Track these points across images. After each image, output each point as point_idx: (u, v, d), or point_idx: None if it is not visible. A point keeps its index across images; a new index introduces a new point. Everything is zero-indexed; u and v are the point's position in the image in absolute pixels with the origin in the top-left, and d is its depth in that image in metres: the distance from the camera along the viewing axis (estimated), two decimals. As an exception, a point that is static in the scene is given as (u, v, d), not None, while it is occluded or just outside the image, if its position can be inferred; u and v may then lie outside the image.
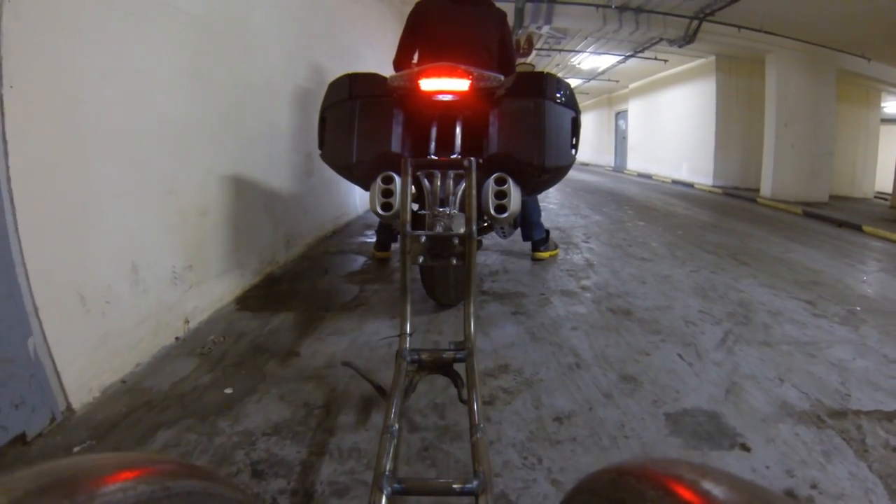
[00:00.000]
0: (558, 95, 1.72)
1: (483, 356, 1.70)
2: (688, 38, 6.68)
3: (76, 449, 1.24)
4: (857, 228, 4.88)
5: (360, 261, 2.98)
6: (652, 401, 1.44)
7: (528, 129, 1.66)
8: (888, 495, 1.12)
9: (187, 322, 1.91)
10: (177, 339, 1.83)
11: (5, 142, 1.24)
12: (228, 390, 1.47)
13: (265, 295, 2.33)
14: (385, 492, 0.73)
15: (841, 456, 1.25)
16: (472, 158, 1.40)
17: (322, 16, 3.52)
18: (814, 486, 1.14)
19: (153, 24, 1.72)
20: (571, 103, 1.77)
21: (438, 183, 1.62)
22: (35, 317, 1.32)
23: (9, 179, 1.25)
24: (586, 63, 10.23)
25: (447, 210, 1.57)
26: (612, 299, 2.34)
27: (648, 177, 11.17)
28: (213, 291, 2.10)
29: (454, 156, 1.67)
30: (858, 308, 2.35)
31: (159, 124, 1.77)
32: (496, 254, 3.16)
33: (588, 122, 17.28)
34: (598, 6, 6.24)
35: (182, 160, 1.91)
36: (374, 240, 3.14)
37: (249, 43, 2.45)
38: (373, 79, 1.77)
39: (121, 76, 1.58)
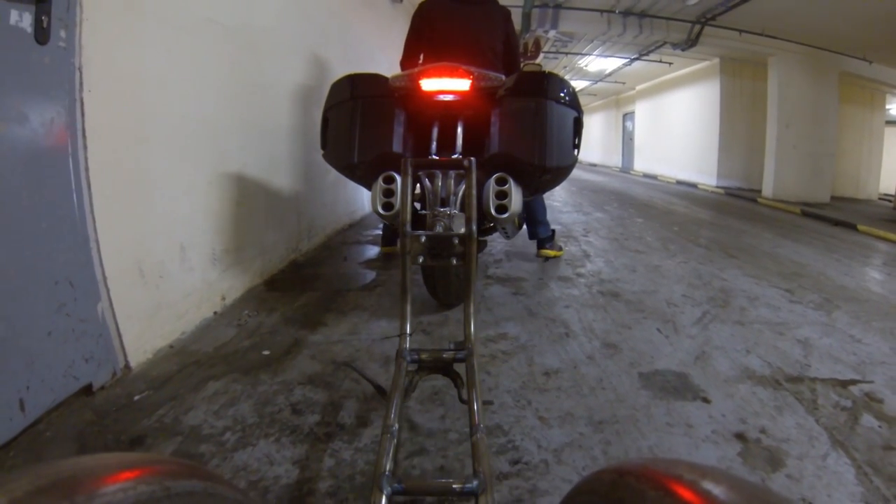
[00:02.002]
0: (560, 95, 1.71)
1: (485, 326, 1.93)
2: (690, 42, 6.86)
3: (136, 397, 1.46)
4: (853, 227, 5.03)
5: (376, 250, 3.23)
6: (629, 363, 1.67)
7: (529, 128, 1.66)
8: (830, 442, 1.31)
9: (224, 298, 2.16)
10: (215, 313, 2.07)
11: (85, 137, 1.48)
12: (266, 352, 1.72)
13: (291, 278, 2.58)
14: (385, 492, 0.73)
15: (791, 411, 1.45)
16: (472, 158, 1.37)
17: (340, 23, 3.76)
18: (762, 432, 1.34)
19: (199, 37, 1.97)
20: (574, 103, 1.75)
21: (439, 183, 1.63)
22: (104, 285, 1.55)
23: (87, 169, 1.50)
24: (593, 65, 10.42)
25: (448, 210, 1.58)
26: (603, 284, 2.57)
27: (654, 177, 11.32)
28: (246, 273, 2.35)
29: (455, 156, 1.70)
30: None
31: (203, 124, 2.02)
32: (501, 244, 3.38)
33: (596, 123, 17.44)
34: (602, 11, 6.45)
35: (221, 155, 2.16)
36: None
37: (277, 51, 2.69)
38: (374, 79, 1.79)
39: (174, 82, 1.83)
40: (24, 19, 1.29)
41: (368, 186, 1.77)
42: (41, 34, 1.33)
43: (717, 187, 8.69)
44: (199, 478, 0.39)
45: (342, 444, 1.21)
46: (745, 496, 0.32)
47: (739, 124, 8.83)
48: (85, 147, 1.48)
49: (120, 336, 1.61)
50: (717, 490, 0.33)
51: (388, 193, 1.63)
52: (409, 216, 1.32)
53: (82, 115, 1.46)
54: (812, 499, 1.10)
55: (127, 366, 1.62)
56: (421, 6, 2.49)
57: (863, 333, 2.05)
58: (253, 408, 1.38)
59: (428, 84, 1.64)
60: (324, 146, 1.86)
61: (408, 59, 2.53)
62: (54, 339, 1.38)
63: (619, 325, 2.01)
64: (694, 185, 9.32)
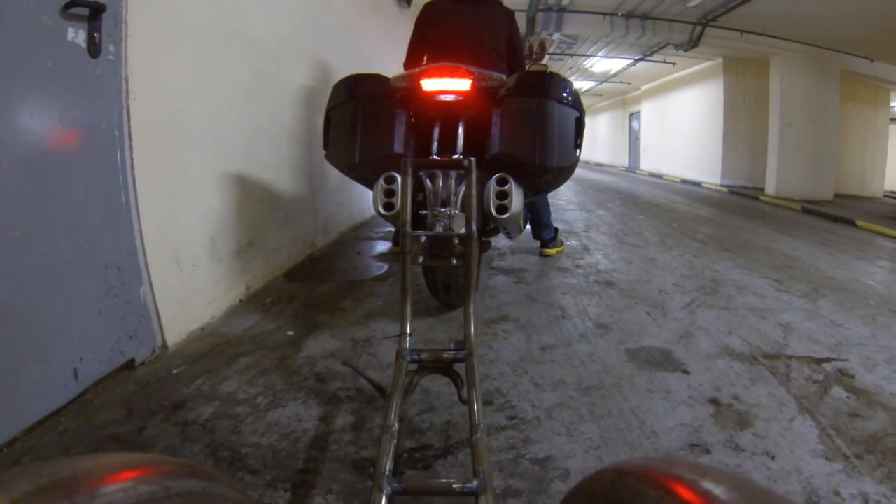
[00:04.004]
0: (562, 95, 1.70)
1: (489, 310, 2.10)
2: (692, 43, 6.99)
3: (174, 371, 1.62)
4: (851, 223, 5.13)
5: (387, 245, 3.41)
6: (617, 340, 1.83)
7: (530, 128, 1.65)
8: (798, 409, 1.45)
9: (248, 287, 2.34)
10: (240, 300, 2.26)
11: (131, 139, 1.66)
12: (290, 332, 1.90)
13: (309, 270, 2.77)
14: (385, 491, 0.73)
15: (764, 382, 1.59)
16: (472, 158, 1.36)
17: (352, 30, 3.94)
18: (735, 398, 1.48)
19: (227, 49, 2.16)
20: (575, 103, 1.74)
21: (440, 183, 1.63)
22: (145, 271, 1.73)
23: (132, 167, 1.68)
24: (598, 66, 10.54)
25: (448, 210, 1.58)
26: (599, 274, 2.73)
27: (659, 176, 11.41)
28: (267, 265, 2.54)
29: (456, 156, 1.70)
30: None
31: (230, 127, 2.21)
32: (505, 238, 3.53)
33: (603, 123, 17.52)
34: (605, 14, 6.59)
35: (246, 156, 2.35)
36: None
37: (295, 58, 2.88)
38: (376, 80, 1.80)
39: (205, 91, 2.02)
40: (79, 36, 1.48)
41: (370, 186, 1.77)
42: (94, 49, 1.52)
43: (721, 186, 8.78)
44: (199, 478, 0.39)
45: (361, 404, 1.39)
46: (745, 496, 0.33)
47: (743, 123, 8.91)
48: (131, 148, 1.66)
49: (159, 317, 1.79)
50: (717, 490, 0.33)
51: (390, 193, 1.64)
52: (409, 216, 1.33)
53: (128, 119, 1.64)
54: (775, 454, 1.25)
55: (164, 344, 1.80)
56: (424, 8, 2.52)
57: (844, 319, 2.16)
58: (281, 377, 1.55)
59: (429, 84, 1.67)
60: (326, 146, 1.88)
61: (411, 61, 2.55)
62: (104, 317, 1.56)
63: (611, 309, 2.17)
64: (698, 184, 9.41)
